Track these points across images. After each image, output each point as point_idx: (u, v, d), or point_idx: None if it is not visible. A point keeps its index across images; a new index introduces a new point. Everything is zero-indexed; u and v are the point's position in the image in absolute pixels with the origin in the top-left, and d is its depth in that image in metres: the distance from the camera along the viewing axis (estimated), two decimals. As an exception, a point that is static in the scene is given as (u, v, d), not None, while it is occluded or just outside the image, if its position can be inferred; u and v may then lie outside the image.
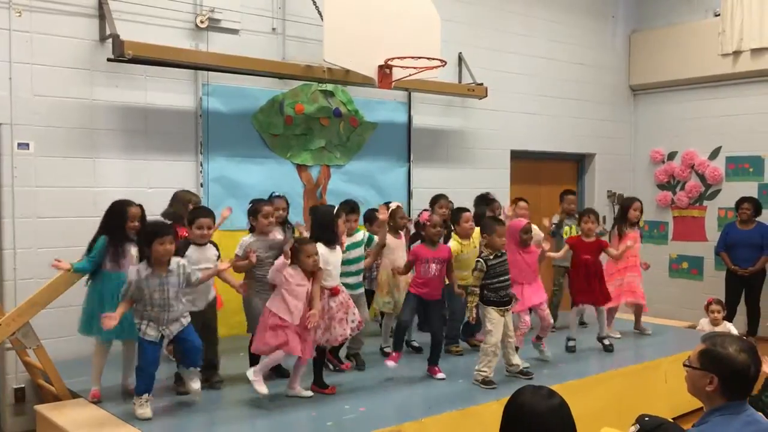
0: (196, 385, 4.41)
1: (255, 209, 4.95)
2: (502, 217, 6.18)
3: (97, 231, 4.61)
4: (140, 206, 4.67)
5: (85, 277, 4.62)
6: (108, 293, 4.50)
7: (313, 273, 4.46)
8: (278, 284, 4.42)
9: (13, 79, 5.23)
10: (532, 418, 2.25)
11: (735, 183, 8.94)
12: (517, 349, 5.26)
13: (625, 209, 6.61)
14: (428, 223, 5.05)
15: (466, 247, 5.70)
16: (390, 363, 4.95)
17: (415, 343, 5.91)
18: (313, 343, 4.54)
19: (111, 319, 4.02)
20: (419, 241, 5.34)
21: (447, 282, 5.26)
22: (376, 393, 4.76)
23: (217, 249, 4.81)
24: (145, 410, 4.18)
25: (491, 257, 4.94)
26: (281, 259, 4.42)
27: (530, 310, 5.45)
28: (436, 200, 6.15)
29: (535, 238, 5.88)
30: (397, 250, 5.57)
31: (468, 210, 5.90)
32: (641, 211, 6.64)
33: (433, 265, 4.99)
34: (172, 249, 4.23)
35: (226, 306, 5.37)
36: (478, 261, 4.95)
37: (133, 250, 4.54)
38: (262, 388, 4.37)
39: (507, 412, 2.36)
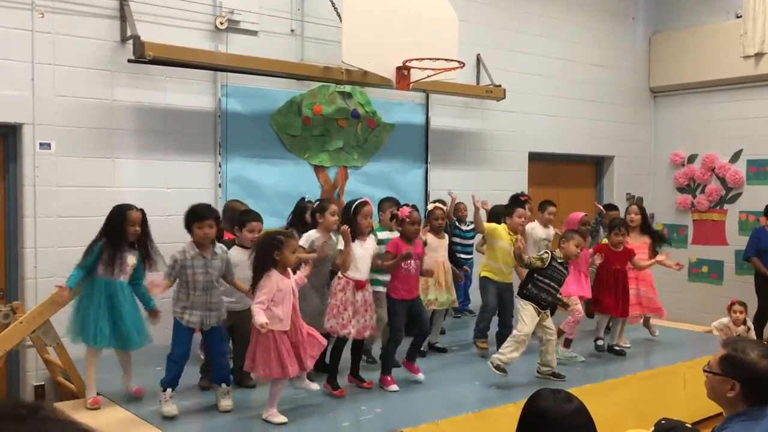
0: (227, 402, 4.33)
1: (322, 207, 4.96)
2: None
3: (97, 235, 4.43)
4: (141, 210, 4.48)
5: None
6: (97, 300, 4.33)
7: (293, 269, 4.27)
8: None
9: (36, 79, 5.29)
10: (556, 421, 2.22)
11: (756, 186, 8.83)
12: (569, 342, 5.53)
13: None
14: (407, 220, 4.88)
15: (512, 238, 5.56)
16: (393, 387, 4.79)
17: (439, 345, 5.92)
18: (311, 352, 4.30)
19: (157, 287, 4.12)
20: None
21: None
22: (392, 394, 4.75)
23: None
24: (170, 408, 4.18)
25: (557, 258, 5.07)
26: (260, 303, 4.02)
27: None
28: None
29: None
30: (439, 250, 5.62)
31: (524, 207, 5.69)
32: (638, 214, 6.48)
33: (413, 262, 4.89)
34: (212, 233, 4.26)
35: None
36: (546, 252, 5.15)
37: (131, 259, 4.42)
38: (280, 418, 4.13)
39: (526, 415, 2.33)
